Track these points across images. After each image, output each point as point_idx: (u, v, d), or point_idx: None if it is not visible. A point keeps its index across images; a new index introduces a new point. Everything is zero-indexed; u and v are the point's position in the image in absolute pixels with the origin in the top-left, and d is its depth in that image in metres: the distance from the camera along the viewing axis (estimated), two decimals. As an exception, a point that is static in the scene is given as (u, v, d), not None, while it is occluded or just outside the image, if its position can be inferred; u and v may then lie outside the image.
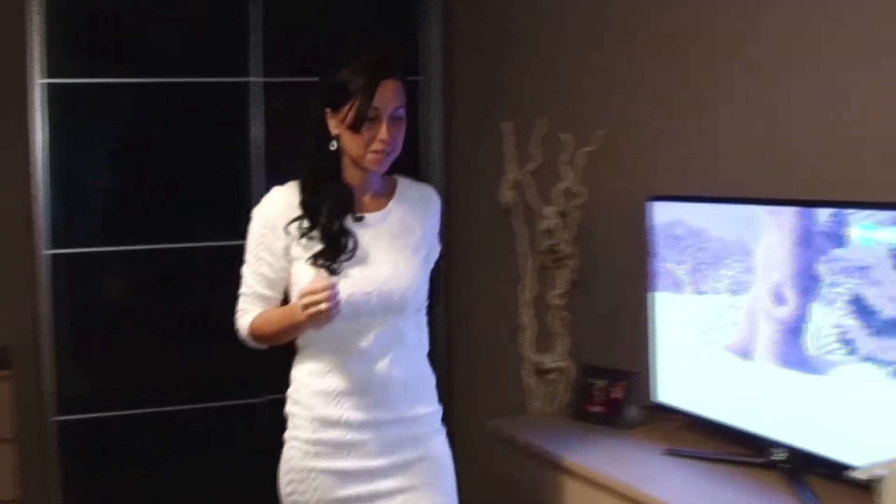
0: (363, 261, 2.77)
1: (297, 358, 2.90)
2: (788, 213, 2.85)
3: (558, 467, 3.18)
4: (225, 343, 4.76)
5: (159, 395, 4.66)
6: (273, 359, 4.72)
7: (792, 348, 2.87)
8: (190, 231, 4.69)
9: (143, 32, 4.60)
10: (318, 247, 2.76)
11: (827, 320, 2.75)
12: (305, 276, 2.71)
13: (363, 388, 2.78)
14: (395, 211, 2.85)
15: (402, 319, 2.82)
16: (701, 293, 3.21)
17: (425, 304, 2.94)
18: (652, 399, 3.41)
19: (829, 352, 2.74)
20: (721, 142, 3.46)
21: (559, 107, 4.18)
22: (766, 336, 2.97)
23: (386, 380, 2.78)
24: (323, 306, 2.54)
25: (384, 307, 2.76)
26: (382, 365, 2.78)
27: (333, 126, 2.73)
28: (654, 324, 3.37)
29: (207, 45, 4.68)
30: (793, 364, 2.87)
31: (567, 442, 3.40)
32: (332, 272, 2.72)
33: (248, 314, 2.88)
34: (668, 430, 3.39)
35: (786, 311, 2.89)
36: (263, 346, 2.91)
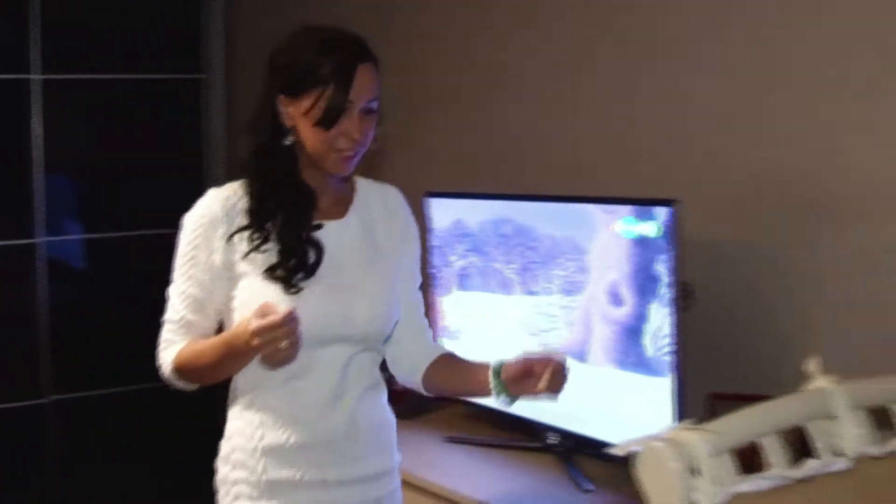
0: (323, 278, 2.25)
1: (236, 407, 2.33)
2: (624, 210, 2.76)
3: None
4: (6, 342, 4.73)
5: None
6: (60, 358, 4.76)
7: (630, 349, 2.81)
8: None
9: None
10: (273, 259, 2.23)
11: (667, 320, 2.69)
12: (255, 298, 2.15)
13: (326, 440, 2.27)
14: (357, 218, 2.36)
15: (368, 353, 2.35)
16: (532, 293, 3.10)
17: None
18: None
19: (669, 352, 2.70)
20: (499, 140, 3.60)
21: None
22: (603, 337, 2.89)
23: (352, 429, 2.30)
24: (283, 344, 2.00)
25: (346, 336, 2.27)
26: (348, 410, 2.29)
27: (289, 116, 2.23)
28: (440, 318, 3.46)
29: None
30: (631, 366, 2.81)
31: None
32: (290, 288, 2.21)
33: (174, 346, 2.28)
34: (450, 419, 3.50)
35: (624, 312, 2.81)
36: (192, 386, 2.33)
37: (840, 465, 1.99)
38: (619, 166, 3.19)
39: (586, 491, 2.78)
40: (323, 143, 2.19)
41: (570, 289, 2.97)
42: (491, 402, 3.23)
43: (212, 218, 2.24)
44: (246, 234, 2.24)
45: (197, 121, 4.96)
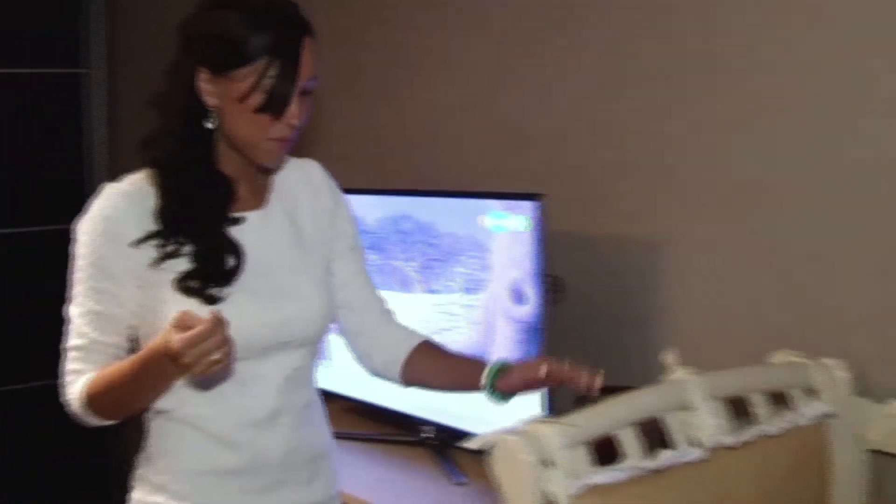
0: (250, 279, 1.93)
1: (159, 423, 1.99)
2: (526, 206, 2.66)
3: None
4: None
5: None
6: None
7: (533, 348, 2.71)
8: None
9: None
10: (186, 266, 1.89)
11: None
12: (174, 312, 1.74)
13: (260, 465, 1.97)
14: (279, 205, 2.04)
15: (311, 361, 2.08)
16: (433, 292, 2.99)
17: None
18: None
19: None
20: (395, 136, 3.61)
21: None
22: (505, 336, 2.79)
23: (291, 453, 2.01)
24: (216, 356, 1.65)
25: (284, 343, 1.97)
26: (286, 432, 2.00)
27: (213, 95, 1.86)
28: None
29: None
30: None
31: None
32: (209, 300, 1.87)
33: (82, 376, 1.89)
34: (329, 414, 3.49)
35: (526, 310, 2.72)
36: (108, 421, 1.94)
37: (695, 455, 2.02)
38: (494, 161, 3.20)
39: (459, 484, 2.80)
40: (259, 131, 1.86)
41: (472, 287, 2.87)
42: (367, 396, 3.28)
43: (113, 220, 1.88)
44: (155, 238, 1.89)
45: (78, 116, 4.87)
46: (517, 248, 2.69)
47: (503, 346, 2.78)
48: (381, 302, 2.21)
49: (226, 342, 1.66)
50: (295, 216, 2.06)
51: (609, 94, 2.87)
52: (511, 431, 1.84)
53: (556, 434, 1.82)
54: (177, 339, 1.65)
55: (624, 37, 2.83)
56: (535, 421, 1.87)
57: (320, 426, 2.14)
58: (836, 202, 2.40)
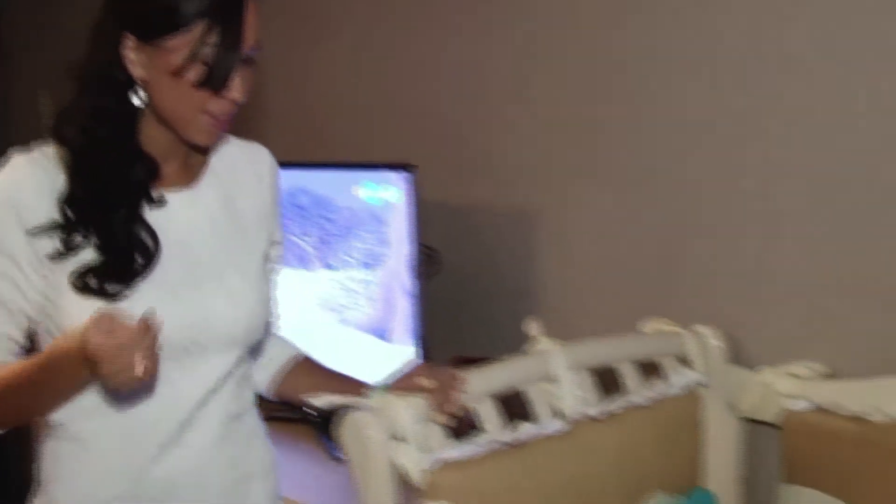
0: (169, 269, 1.63)
1: (52, 442, 1.69)
2: (399, 177, 2.60)
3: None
4: None
5: None
6: None
7: (412, 322, 2.63)
8: None
9: None
10: (88, 258, 1.59)
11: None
12: (77, 310, 1.54)
13: (164, 493, 1.67)
14: (213, 187, 1.73)
15: (231, 365, 1.71)
16: (331, 268, 2.84)
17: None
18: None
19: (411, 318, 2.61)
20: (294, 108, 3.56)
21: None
22: (404, 312, 2.68)
23: (201, 476, 1.70)
24: (139, 368, 1.39)
25: (202, 347, 1.65)
26: (193, 452, 1.67)
27: (141, 66, 1.57)
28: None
29: None
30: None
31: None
32: (109, 297, 1.57)
33: None
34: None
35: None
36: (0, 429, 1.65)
37: (557, 427, 1.99)
38: (367, 132, 3.16)
39: (337, 459, 2.76)
40: (194, 107, 1.58)
41: (370, 262, 2.73)
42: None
43: (23, 195, 1.59)
44: (59, 230, 1.59)
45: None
46: (399, 221, 2.63)
47: (402, 322, 2.69)
48: (276, 318, 1.91)
49: (151, 350, 1.41)
50: (231, 201, 1.75)
51: (481, 62, 2.85)
52: (361, 404, 1.80)
53: (406, 408, 1.78)
54: (98, 342, 1.40)
55: (499, 6, 2.80)
56: (386, 395, 1.82)
57: (252, 442, 1.81)
58: (707, 170, 2.39)
